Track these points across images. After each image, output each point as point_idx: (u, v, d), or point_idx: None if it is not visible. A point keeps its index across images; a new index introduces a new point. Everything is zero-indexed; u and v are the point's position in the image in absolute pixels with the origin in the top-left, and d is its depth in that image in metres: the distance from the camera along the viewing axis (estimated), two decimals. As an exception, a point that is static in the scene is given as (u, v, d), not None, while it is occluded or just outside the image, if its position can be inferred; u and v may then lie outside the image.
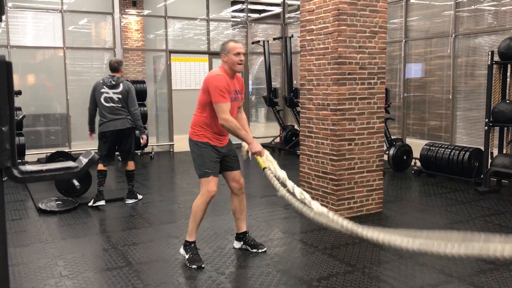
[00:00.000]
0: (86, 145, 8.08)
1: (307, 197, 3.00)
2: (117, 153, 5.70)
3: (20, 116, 7.18)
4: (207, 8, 10.28)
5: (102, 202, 5.45)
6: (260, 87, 11.43)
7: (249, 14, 11.18)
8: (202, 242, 4.18)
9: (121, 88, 5.40)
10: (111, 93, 5.38)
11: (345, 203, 4.97)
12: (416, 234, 2.08)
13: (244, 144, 3.77)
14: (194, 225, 3.70)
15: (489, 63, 6.07)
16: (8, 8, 8.43)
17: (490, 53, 6.05)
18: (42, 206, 5.32)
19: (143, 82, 9.26)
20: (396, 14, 8.52)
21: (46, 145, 8.93)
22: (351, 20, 4.79)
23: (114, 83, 5.40)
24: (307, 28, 5.17)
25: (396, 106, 8.50)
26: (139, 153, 9.04)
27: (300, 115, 5.45)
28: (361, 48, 4.89)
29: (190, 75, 11.20)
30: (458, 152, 6.60)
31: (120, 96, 5.38)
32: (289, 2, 11.66)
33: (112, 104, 5.38)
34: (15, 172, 1.16)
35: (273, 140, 10.73)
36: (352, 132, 4.94)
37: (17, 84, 8.25)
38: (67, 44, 8.91)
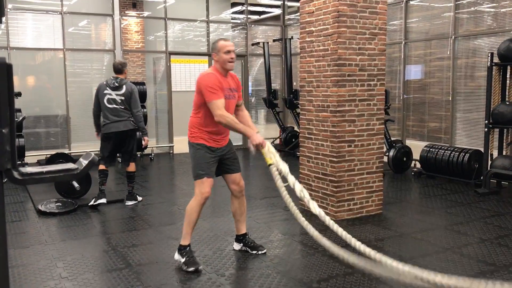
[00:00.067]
0: (86, 147, 8.09)
1: (306, 195, 2.99)
2: (118, 154, 5.71)
3: (20, 118, 7.18)
4: (207, 9, 10.28)
5: (103, 200, 5.45)
6: (260, 89, 11.43)
7: (249, 16, 11.18)
8: (202, 243, 4.18)
9: (124, 90, 5.41)
10: (114, 94, 5.39)
11: (345, 205, 4.97)
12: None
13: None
14: (189, 228, 3.66)
15: (488, 65, 6.07)
16: (8, 10, 8.43)
17: (489, 54, 6.05)
18: (42, 207, 5.31)
19: (143, 83, 9.27)
20: (395, 15, 8.52)
21: (46, 146, 8.94)
22: (351, 22, 4.80)
23: (117, 84, 5.41)
24: (307, 29, 5.18)
25: (396, 108, 8.50)
26: (139, 155, 9.04)
27: (300, 116, 5.45)
28: (361, 49, 4.89)
29: (190, 76, 11.18)
30: (458, 153, 6.60)
31: (122, 98, 5.39)
32: (289, 4, 11.67)
33: (114, 106, 5.38)
34: (15, 174, 1.16)
35: (273, 141, 10.73)
36: (352, 133, 4.94)
37: (17, 86, 8.25)
38: (67, 46, 8.90)
